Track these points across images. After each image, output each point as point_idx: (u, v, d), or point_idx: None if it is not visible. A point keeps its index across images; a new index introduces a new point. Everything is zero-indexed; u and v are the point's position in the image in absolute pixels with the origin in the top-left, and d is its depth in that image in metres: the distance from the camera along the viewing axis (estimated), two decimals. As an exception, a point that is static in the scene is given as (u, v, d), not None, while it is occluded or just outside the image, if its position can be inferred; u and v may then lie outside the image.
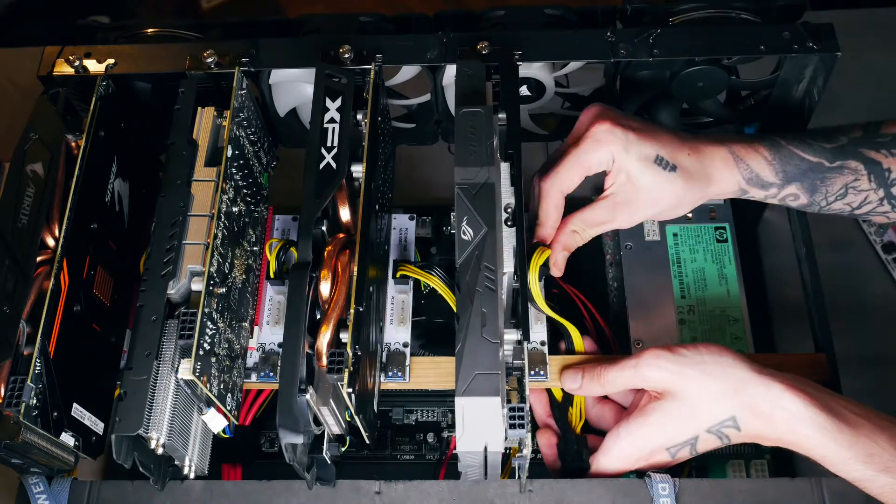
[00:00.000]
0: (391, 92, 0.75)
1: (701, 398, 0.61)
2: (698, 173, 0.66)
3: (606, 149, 0.65)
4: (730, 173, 0.66)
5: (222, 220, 0.64)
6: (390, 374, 0.69)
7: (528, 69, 0.72)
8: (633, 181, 0.66)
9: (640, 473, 0.64)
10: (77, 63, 0.71)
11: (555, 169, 0.67)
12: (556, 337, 0.71)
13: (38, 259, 0.61)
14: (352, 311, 0.59)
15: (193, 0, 1.78)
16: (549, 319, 0.69)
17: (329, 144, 0.65)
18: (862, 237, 0.91)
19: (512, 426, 0.57)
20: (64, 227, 0.62)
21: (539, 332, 0.69)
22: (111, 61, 0.71)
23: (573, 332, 0.70)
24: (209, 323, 0.61)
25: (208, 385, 0.60)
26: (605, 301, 0.79)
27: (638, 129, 0.66)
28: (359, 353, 0.59)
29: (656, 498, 0.61)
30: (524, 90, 0.75)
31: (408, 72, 0.73)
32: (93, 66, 0.71)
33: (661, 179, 0.65)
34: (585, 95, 0.77)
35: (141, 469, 0.61)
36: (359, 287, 0.60)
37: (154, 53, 0.73)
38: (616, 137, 0.65)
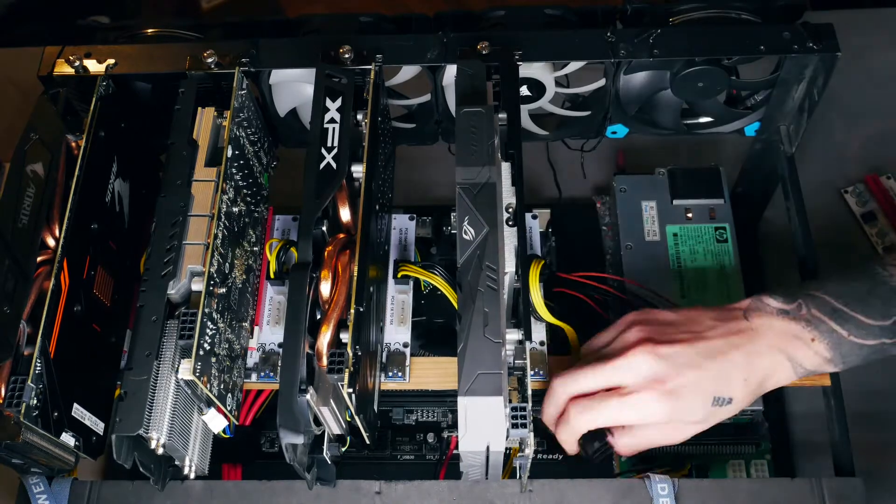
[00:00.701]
0: (391, 92, 0.75)
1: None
2: (755, 390, 0.63)
3: (649, 419, 0.62)
4: (785, 377, 0.63)
5: (222, 220, 0.64)
6: (390, 374, 0.69)
7: (529, 69, 0.72)
8: (680, 425, 0.63)
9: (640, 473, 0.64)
10: (77, 63, 0.71)
11: (590, 408, 0.62)
12: (557, 336, 0.71)
13: (39, 259, 0.61)
14: (352, 311, 0.59)
15: (193, 0, 1.78)
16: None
17: (329, 144, 0.65)
18: (864, 239, 0.91)
19: (514, 426, 0.57)
20: (64, 227, 0.62)
21: (539, 332, 0.69)
22: (111, 61, 0.71)
23: (570, 334, 0.70)
24: (209, 323, 0.61)
25: (208, 385, 0.60)
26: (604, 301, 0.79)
27: (689, 389, 0.61)
28: (359, 354, 0.59)
29: (655, 498, 0.61)
30: (524, 90, 0.75)
31: (408, 72, 0.73)
32: (93, 66, 0.71)
33: (717, 413, 0.62)
34: (585, 95, 0.77)
35: (141, 469, 0.61)
36: (359, 287, 0.60)
37: (154, 53, 0.73)
38: (664, 409, 0.61)
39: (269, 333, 0.71)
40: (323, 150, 0.65)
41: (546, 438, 0.79)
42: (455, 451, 0.77)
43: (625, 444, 0.64)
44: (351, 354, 0.57)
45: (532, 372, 0.67)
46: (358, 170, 0.65)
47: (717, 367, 0.62)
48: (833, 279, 0.64)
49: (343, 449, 0.66)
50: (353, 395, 0.57)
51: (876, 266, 0.64)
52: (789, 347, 0.62)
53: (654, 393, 0.61)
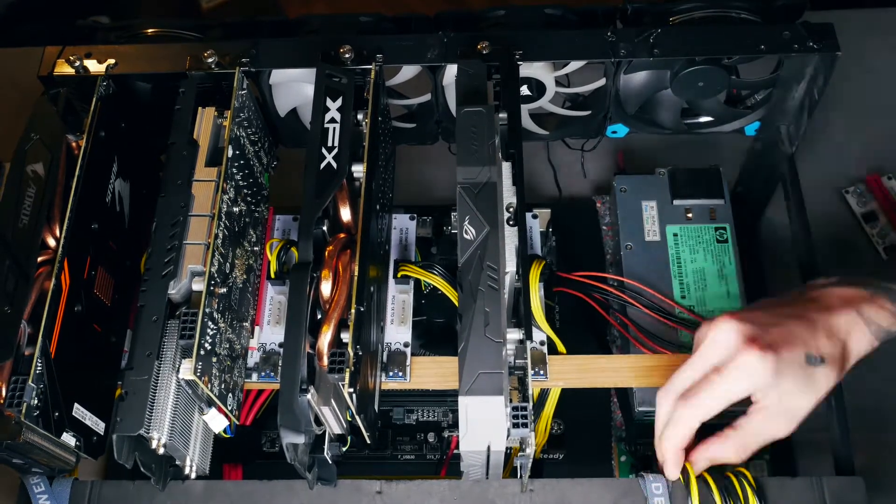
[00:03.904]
0: (391, 92, 0.75)
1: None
2: (841, 352, 0.62)
3: (756, 380, 0.60)
4: (864, 338, 0.63)
5: (223, 220, 0.64)
6: (391, 373, 0.69)
7: (529, 69, 0.72)
8: (786, 392, 0.61)
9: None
10: (77, 63, 0.71)
11: (696, 394, 0.60)
12: (557, 336, 0.71)
13: (39, 259, 0.61)
14: (353, 310, 0.59)
15: (193, 0, 1.78)
16: (549, 317, 0.69)
17: (330, 144, 0.65)
18: (864, 238, 0.91)
19: (515, 425, 0.57)
20: (65, 227, 0.62)
21: (539, 332, 0.69)
22: (111, 61, 0.71)
23: (560, 348, 0.70)
24: (210, 323, 0.61)
25: (209, 385, 0.60)
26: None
27: (781, 342, 0.60)
28: (360, 353, 0.59)
29: (650, 497, 0.61)
30: (524, 90, 0.75)
31: (408, 72, 0.73)
32: (93, 66, 0.71)
33: (815, 377, 0.61)
34: (586, 95, 0.77)
35: (142, 469, 0.61)
36: (360, 287, 0.60)
37: (154, 53, 0.73)
38: (766, 366, 0.59)
39: (269, 333, 0.71)
40: (323, 150, 0.65)
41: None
42: (456, 451, 0.77)
43: (736, 447, 0.62)
44: (351, 354, 0.57)
45: (533, 371, 0.67)
46: (358, 169, 0.65)
47: (798, 324, 0.61)
48: (883, 270, 0.66)
49: (344, 448, 0.66)
50: (354, 395, 0.57)
51: None
52: (858, 304, 0.63)
53: (752, 351, 0.59)
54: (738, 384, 0.60)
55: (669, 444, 0.62)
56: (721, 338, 0.61)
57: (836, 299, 0.63)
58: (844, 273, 0.66)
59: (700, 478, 0.61)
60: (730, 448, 0.62)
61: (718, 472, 0.62)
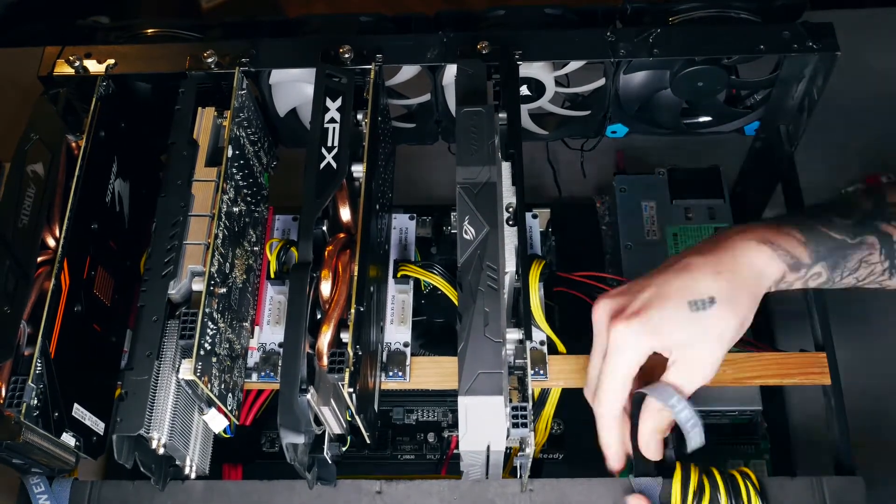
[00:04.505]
0: (391, 92, 0.75)
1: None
2: (737, 285, 0.59)
3: (636, 349, 0.59)
4: (772, 263, 0.60)
5: (223, 220, 0.64)
6: (391, 373, 0.69)
7: (529, 69, 0.72)
8: (684, 346, 0.59)
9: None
10: (77, 63, 0.71)
11: (599, 389, 0.60)
12: (557, 336, 0.71)
13: (39, 259, 0.61)
14: (352, 310, 0.59)
15: (193, 0, 1.78)
16: (549, 317, 0.69)
17: (329, 144, 0.65)
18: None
19: (515, 425, 0.57)
20: (65, 227, 0.62)
21: (539, 332, 0.69)
22: (111, 61, 0.71)
23: (560, 348, 0.70)
24: (210, 323, 0.61)
25: (209, 385, 0.60)
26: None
27: (648, 303, 0.59)
28: (359, 353, 0.59)
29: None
30: (524, 90, 0.75)
31: (408, 72, 0.73)
32: (93, 66, 0.71)
33: (708, 320, 0.58)
34: (585, 95, 0.77)
35: (142, 469, 0.61)
36: (359, 287, 0.60)
37: (154, 53, 0.73)
38: (637, 333, 0.58)
39: (269, 333, 0.71)
40: (323, 150, 0.65)
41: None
42: (455, 451, 0.77)
43: (675, 381, 0.59)
44: (351, 354, 0.57)
45: (532, 371, 0.67)
46: (358, 169, 0.65)
47: (672, 276, 0.59)
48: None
49: (344, 448, 0.66)
50: (354, 395, 0.57)
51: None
52: (759, 233, 0.60)
53: (618, 326, 0.58)
54: (622, 361, 0.59)
55: (604, 441, 0.61)
56: (596, 321, 0.61)
57: (732, 235, 0.61)
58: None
59: (709, 475, 0.61)
60: (660, 413, 0.60)
61: (725, 471, 0.62)
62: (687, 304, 0.58)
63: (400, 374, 0.69)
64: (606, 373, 0.60)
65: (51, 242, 0.62)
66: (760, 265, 0.60)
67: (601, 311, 0.60)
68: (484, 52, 0.70)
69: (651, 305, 0.59)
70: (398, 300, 0.73)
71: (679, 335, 0.58)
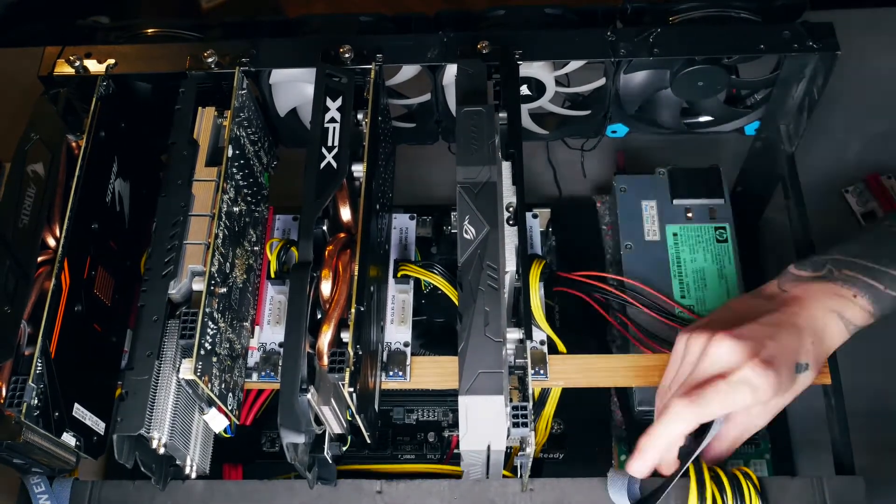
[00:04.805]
0: (391, 91, 0.75)
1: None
2: (820, 353, 0.64)
3: (759, 395, 0.60)
4: (841, 338, 0.65)
5: (223, 219, 0.64)
6: (391, 373, 0.69)
7: (529, 69, 0.72)
8: (775, 402, 0.63)
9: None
10: (77, 63, 0.71)
11: (702, 394, 0.60)
12: (558, 335, 0.71)
13: (39, 259, 0.61)
14: (353, 310, 0.59)
15: (193, 0, 1.77)
16: (549, 317, 0.69)
17: (329, 144, 0.65)
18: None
19: (515, 425, 0.57)
20: (65, 227, 0.62)
21: (539, 332, 0.69)
22: (111, 61, 0.71)
23: (560, 348, 0.70)
24: (210, 323, 0.61)
25: (209, 385, 0.60)
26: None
27: (778, 356, 0.61)
28: (360, 353, 0.59)
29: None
30: (524, 89, 0.75)
31: (408, 71, 0.73)
32: (93, 66, 0.71)
33: (799, 381, 0.63)
34: (586, 95, 0.77)
35: (142, 469, 0.61)
36: (360, 286, 0.60)
37: (154, 53, 0.73)
38: (769, 382, 0.60)
39: (269, 333, 0.71)
40: (323, 150, 0.65)
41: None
42: (456, 451, 0.77)
43: (730, 439, 0.64)
44: (352, 354, 0.57)
45: (533, 371, 0.67)
46: (358, 169, 0.65)
47: (789, 335, 0.62)
48: (850, 242, 0.67)
49: (344, 448, 0.66)
50: (354, 395, 0.57)
51: (881, 224, 0.67)
52: (837, 305, 0.64)
53: (755, 366, 0.60)
54: (743, 397, 0.60)
55: (661, 440, 0.61)
56: (723, 353, 0.61)
57: (819, 300, 0.64)
58: (821, 255, 0.67)
59: (714, 475, 0.61)
60: (722, 443, 0.65)
61: (723, 470, 0.62)
62: (795, 365, 0.62)
63: (400, 373, 0.69)
64: (724, 393, 0.60)
65: (51, 242, 0.62)
66: (835, 341, 0.65)
67: (732, 348, 0.60)
68: (484, 51, 0.70)
69: (778, 360, 0.61)
70: (398, 300, 0.73)
71: (783, 382, 0.62)
